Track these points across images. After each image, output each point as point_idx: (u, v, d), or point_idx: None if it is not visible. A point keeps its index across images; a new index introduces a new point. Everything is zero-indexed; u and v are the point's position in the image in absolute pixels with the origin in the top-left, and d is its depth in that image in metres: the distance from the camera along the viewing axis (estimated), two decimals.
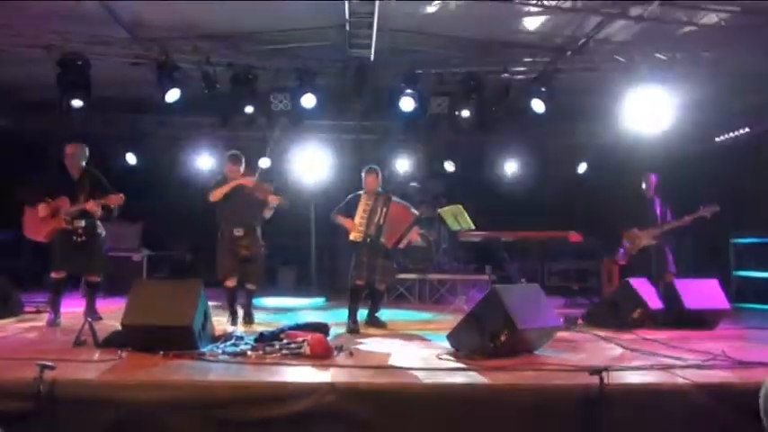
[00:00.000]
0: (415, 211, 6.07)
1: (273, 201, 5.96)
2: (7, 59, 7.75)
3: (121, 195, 5.65)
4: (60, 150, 5.91)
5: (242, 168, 6.10)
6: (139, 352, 3.97)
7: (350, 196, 5.97)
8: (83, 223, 5.67)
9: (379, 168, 6.16)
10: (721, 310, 5.89)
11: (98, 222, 5.87)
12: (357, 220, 5.75)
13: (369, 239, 5.70)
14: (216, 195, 5.87)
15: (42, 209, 5.59)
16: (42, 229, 5.66)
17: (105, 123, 10.06)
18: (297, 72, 8.10)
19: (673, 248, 7.06)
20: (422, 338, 5.11)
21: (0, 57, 7.62)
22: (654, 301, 5.78)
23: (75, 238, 5.65)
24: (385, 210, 5.74)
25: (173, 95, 7.75)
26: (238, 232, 5.83)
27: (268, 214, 6.08)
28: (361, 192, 5.97)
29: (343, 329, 5.41)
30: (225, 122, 9.54)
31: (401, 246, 5.94)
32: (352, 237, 5.75)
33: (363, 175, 6.04)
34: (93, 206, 5.60)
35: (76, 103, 7.43)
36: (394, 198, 5.94)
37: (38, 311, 6.25)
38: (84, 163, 5.86)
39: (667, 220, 6.85)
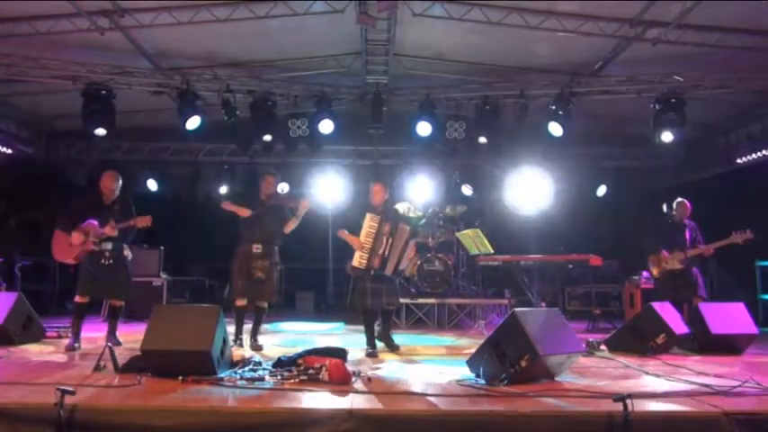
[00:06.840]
0: (406, 227, 5.76)
1: (304, 206, 5.89)
2: (35, 90, 7.99)
3: (149, 217, 5.75)
4: (85, 177, 6.02)
5: (277, 184, 6.30)
6: (158, 377, 3.99)
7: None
8: (110, 246, 5.78)
9: (385, 183, 6.04)
10: (749, 335, 5.73)
11: (125, 246, 5.96)
12: (362, 238, 5.65)
13: (371, 271, 5.63)
14: (227, 205, 5.95)
15: (76, 237, 5.69)
16: (71, 252, 5.77)
17: (127, 150, 10.30)
18: (315, 98, 8.23)
19: (702, 274, 6.86)
20: (441, 364, 5.03)
21: (27, 88, 7.87)
22: (678, 326, 5.64)
23: (102, 261, 5.76)
24: (391, 240, 5.62)
25: (193, 123, 7.92)
26: (257, 249, 5.80)
27: (291, 227, 5.97)
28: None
29: (361, 354, 5.37)
30: (245, 149, 9.67)
31: (401, 267, 5.80)
32: (355, 263, 5.66)
33: (371, 188, 5.96)
34: (110, 230, 5.67)
35: (100, 131, 7.64)
36: (400, 225, 5.75)
37: (59, 336, 6.31)
38: (118, 191, 5.98)
39: (698, 246, 6.68)
